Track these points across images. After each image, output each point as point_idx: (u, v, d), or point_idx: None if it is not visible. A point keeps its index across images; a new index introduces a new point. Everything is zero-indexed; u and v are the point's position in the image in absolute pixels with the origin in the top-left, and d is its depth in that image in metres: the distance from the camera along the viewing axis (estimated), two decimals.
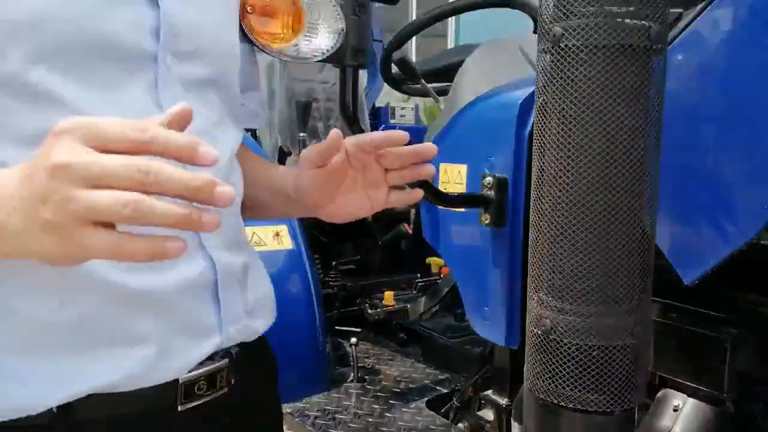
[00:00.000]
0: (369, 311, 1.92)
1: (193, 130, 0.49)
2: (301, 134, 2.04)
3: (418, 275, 2.11)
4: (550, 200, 0.69)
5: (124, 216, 0.44)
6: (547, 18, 0.68)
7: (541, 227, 0.71)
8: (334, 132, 0.72)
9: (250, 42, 0.85)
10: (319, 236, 2.08)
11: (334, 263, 2.13)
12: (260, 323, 0.81)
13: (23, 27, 0.57)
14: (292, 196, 0.82)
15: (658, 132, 0.68)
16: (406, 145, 0.76)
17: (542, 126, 0.70)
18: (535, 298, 0.73)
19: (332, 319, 2.03)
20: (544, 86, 0.69)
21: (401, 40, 1.54)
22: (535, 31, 1.04)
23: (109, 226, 0.46)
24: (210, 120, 0.74)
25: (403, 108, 2.62)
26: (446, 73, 1.77)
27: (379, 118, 2.73)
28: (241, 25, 0.84)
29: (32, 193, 0.46)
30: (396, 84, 1.92)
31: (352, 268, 2.17)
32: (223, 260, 0.72)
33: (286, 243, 1.59)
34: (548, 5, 0.68)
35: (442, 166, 1.36)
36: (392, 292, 2.01)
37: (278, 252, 1.57)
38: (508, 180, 1.17)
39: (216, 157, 0.46)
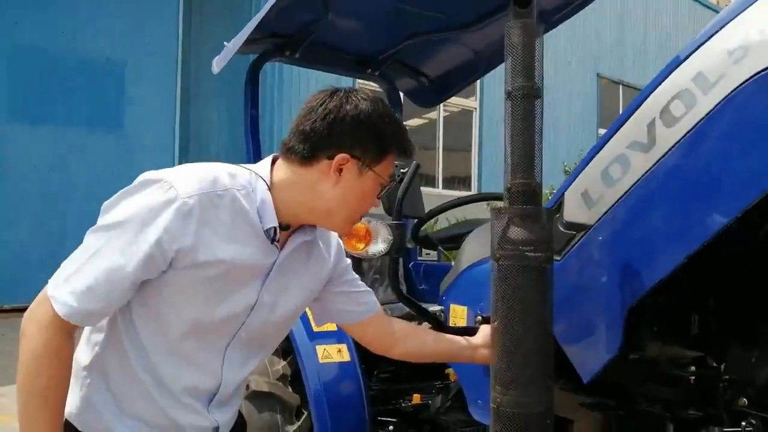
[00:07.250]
0: (402, 406, 2.57)
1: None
2: None
3: (439, 382, 2.76)
4: None
5: None
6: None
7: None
8: None
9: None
10: (366, 352, 2.76)
11: (375, 372, 2.79)
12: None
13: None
14: None
15: None
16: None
17: None
18: (494, 387, 1.42)
19: (374, 413, 2.67)
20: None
21: (430, 217, 2.33)
22: None
23: None
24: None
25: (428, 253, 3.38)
26: (456, 239, 2.54)
27: (410, 255, 3.48)
28: None
29: None
30: (425, 245, 2.70)
31: (389, 376, 2.83)
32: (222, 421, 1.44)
33: (346, 357, 2.30)
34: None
35: (452, 306, 2.08)
36: (419, 395, 2.66)
37: (341, 363, 2.28)
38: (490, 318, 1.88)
39: None
